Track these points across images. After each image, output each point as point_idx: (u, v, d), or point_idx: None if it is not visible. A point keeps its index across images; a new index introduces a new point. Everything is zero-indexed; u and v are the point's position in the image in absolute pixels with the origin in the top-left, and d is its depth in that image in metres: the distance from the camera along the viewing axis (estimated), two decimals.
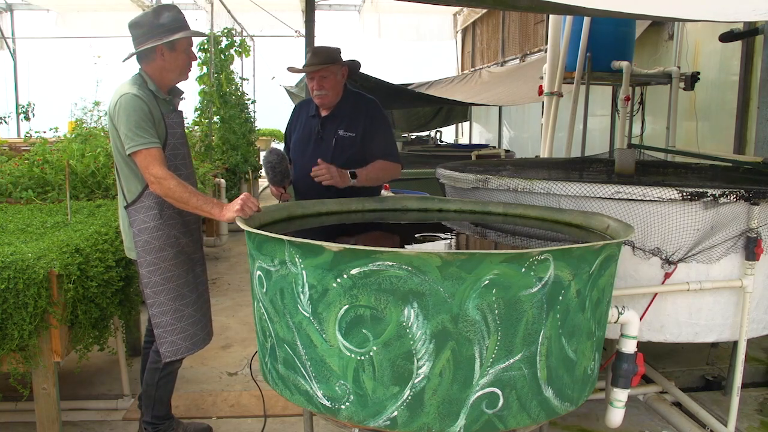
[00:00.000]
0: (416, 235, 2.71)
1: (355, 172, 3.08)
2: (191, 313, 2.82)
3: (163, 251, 2.72)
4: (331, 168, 3.01)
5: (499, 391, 1.94)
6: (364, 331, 1.92)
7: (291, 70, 3.38)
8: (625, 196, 2.72)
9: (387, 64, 15.00)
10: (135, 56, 2.72)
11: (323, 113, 3.30)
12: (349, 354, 1.95)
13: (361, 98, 3.37)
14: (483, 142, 12.88)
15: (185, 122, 8.33)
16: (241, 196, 2.50)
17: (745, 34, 5.29)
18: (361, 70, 3.47)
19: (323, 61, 3.17)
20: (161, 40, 2.62)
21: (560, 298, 1.97)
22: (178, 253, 2.77)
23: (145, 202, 2.68)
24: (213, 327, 3.09)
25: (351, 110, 3.28)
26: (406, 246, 2.49)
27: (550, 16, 6.37)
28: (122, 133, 2.58)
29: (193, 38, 2.77)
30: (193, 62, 2.81)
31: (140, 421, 3.00)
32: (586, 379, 2.19)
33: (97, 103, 5.96)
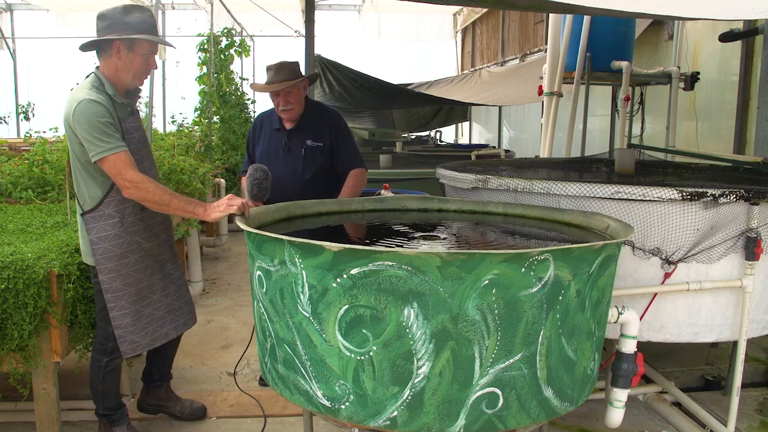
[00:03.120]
0: (416, 235, 2.71)
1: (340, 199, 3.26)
2: (150, 312, 2.82)
3: (125, 258, 2.68)
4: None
5: (498, 391, 1.94)
6: (364, 331, 1.92)
7: (254, 87, 3.45)
8: (625, 196, 2.72)
9: (387, 64, 14.99)
10: (95, 51, 2.63)
11: (288, 126, 3.45)
12: (349, 354, 1.95)
13: (322, 108, 3.58)
14: (483, 142, 12.88)
15: (185, 122, 8.29)
16: (225, 198, 2.50)
17: (745, 34, 5.29)
18: (362, 70, 3.52)
19: (287, 77, 3.31)
20: (121, 35, 2.53)
21: (560, 298, 1.97)
22: (142, 258, 2.74)
23: (105, 210, 2.61)
24: (212, 325, 3.10)
25: (315, 121, 3.45)
26: (405, 246, 2.48)
27: (550, 15, 6.36)
28: (84, 140, 2.49)
29: (161, 48, 2.73)
30: (151, 70, 2.71)
31: (95, 413, 2.97)
32: (586, 379, 2.19)
33: None
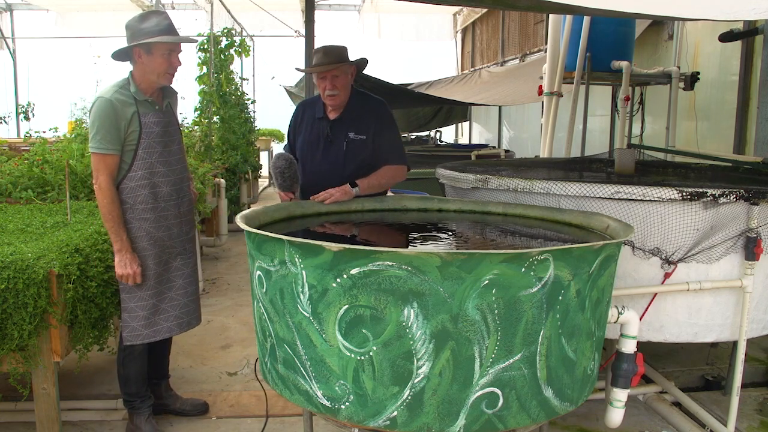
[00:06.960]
0: (416, 235, 2.71)
1: (357, 182, 3.05)
2: (154, 303, 2.92)
3: (133, 243, 2.84)
4: (329, 190, 2.98)
5: (498, 391, 1.94)
6: (363, 331, 1.92)
7: (301, 70, 3.36)
8: (625, 196, 2.73)
9: (387, 64, 14.98)
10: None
11: (331, 116, 3.23)
12: (348, 354, 1.95)
13: (368, 99, 3.31)
14: (483, 142, 12.87)
15: (186, 122, 8.28)
16: (132, 271, 2.75)
17: (745, 34, 5.29)
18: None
19: (336, 60, 3.12)
20: (138, 42, 2.73)
21: (560, 298, 1.97)
22: (149, 246, 2.87)
23: (120, 196, 2.82)
24: (212, 325, 3.12)
25: (359, 112, 3.22)
26: (406, 246, 2.49)
27: (550, 15, 6.36)
28: (89, 132, 2.77)
29: (182, 45, 2.85)
30: (177, 67, 2.86)
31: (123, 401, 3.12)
32: (586, 379, 2.19)
33: None
